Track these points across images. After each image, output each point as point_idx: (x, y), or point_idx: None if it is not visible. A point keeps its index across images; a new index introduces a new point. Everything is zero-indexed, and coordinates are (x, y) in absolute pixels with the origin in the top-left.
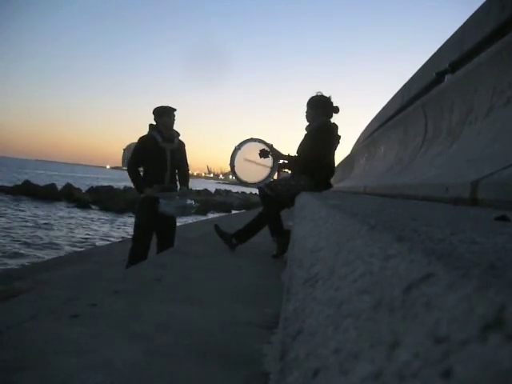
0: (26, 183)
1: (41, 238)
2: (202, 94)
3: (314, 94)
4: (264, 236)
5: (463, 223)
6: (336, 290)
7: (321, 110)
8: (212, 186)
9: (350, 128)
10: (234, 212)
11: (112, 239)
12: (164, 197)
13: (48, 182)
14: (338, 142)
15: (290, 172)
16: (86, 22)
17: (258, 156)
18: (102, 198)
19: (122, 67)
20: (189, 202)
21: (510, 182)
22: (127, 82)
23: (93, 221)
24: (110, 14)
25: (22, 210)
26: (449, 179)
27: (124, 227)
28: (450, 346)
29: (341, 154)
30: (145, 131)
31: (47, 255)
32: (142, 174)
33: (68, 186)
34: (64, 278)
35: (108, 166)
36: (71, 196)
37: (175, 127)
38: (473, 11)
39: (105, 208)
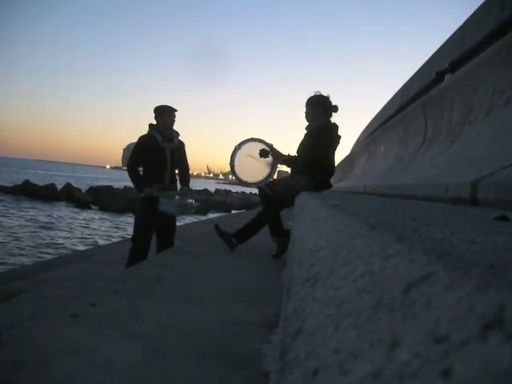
0: (26, 183)
1: (41, 238)
2: (202, 93)
3: (313, 94)
4: (264, 236)
5: (463, 223)
6: (336, 290)
7: (320, 109)
8: (212, 186)
9: (350, 128)
10: (233, 212)
11: (112, 239)
12: (164, 196)
13: (48, 182)
14: (338, 142)
15: (289, 172)
16: (86, 21)
17: (258, 156)
18: (101, 198)
19: (121, 67)
20: (189, 201)
21: (510, 182)
22: (127, 81)
23: (93, 221)
24: (110, 14)
25: (22, 210)
26: (449, 179)
27: (124, 227)
28: (449, 345)
29: (341, 153)
30: (144, 131)
31: (47, 255)
32: (141, 173)
33: (68, 186)
34: (64, 278)
35: (108, 166)
36: (71, 196)
37: (175, 127)
38: (473, 11)
39: (105, 208)
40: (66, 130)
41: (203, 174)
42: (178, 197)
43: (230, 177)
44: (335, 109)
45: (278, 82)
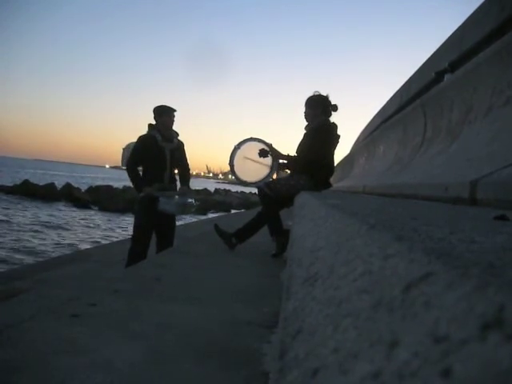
0: (26, 183)
1: (40, 238)
2: (202, 93)
3: (312, 94)
4: (263, 235)
5: (462, 222)
6: (335, 290)
7: (319, 109)
8: (211, 186)
9: (350, 127)
10: (233, 211)
11: (111, 239)
12: (164, 196)
13: (47, 182)
14: (338, 142)
15: (289, 171)
16: (86, 21)
17: (258, 155)
18: (101, 198)
19: (121, 67)
20: (189, 200)
21: (510, 182)
22: (127, 81)
23: (92, 220)
24: (110, 14)
25: (22, 210)
26: (448, 179)
27: (123, 227)
28: (449, 345)
29: (340, 153)
30: (144, 131)
31: (47, 255)
32: (141, 173)
33: (67, 186)
34: (64, 278)
35: (107, 166)
36: (71, 195)
37: (174, 127)
38: (472, 11)
39: (104, 208)
40: (65, 129)
41: (203, 174)
42: (177, 196)
43: (230, 176)
44: (335, 108)
45: (278, 81)
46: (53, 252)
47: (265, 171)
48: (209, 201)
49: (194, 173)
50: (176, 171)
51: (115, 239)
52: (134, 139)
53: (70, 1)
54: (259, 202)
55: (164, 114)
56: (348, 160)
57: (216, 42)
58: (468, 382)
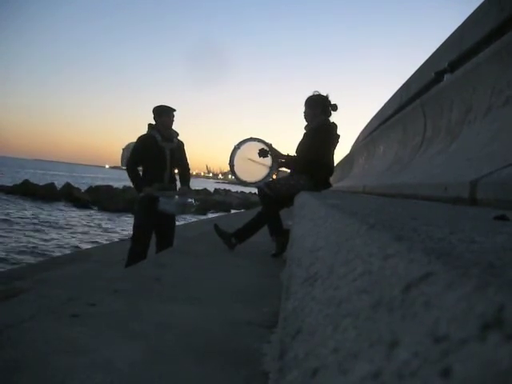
0: (26, 183)
1: (40, 238)
2: (202, 93)
3: (312, 94)
4: (263, 235)
5: (462, 222)
6: (335, 290)
7: (319, 109)
8: (211, 186)
9: (350, 127)
10: (233, 211)
11: (111, 239)
12: (164, 196)
13: (47, 182)
14: (338, 141)
15: (289, 171)
16: (86, 21)
17: (258, 155)
18: (101, 198)
19: (121, 67)
20: (189, 200)
21: (509, 182)
22: (127, 81)
23: (92, 220)
24: (110, 14)
25: (22, 210)
26: (448, 178)
27: (123, 227)
28: (449, 345)
29: (340, 153)
30: (144, 130)
31: (47, 255)
32: (141, 173)
33: (67, 186)
34: (64, 278)
35: (107, 166)
36: (70, 195)
37: (174, 126)
38: (472, 11)
39: (104, 208)
40: (65, 129)
41: (202, 174)
42: (177, 196)
43: (230, 176)
44: (334, 107)
45: (278, 81)
46: (53, 252)
47: (264, 171)
48: (209, 201)
49: (194, 173)
50: (176, 171)
51: (115, 239)
52: (134, 139)
53: (69, 0)
54: (259, 202)
55: (164, 114)
56: (348, 160)
57: (216, 41)
58: (468, 381)
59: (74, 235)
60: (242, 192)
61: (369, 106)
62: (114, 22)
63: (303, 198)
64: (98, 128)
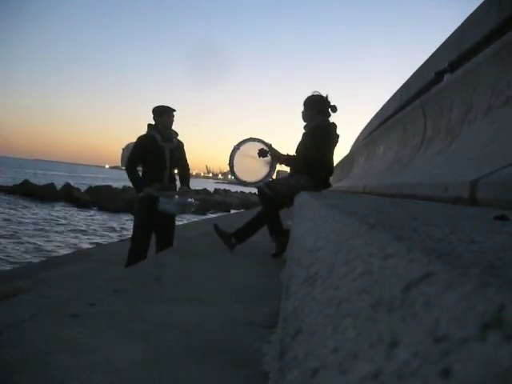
0: (26, 183)
1: (40, 238)
2: (202, 93)
3: (311, 94)
4: (263, 235)
5: (462, 222)
6: (335, 290)
7: (317, 109)
8: (211, 186)
9: (350, 127)
10: (233, 211)
11: (111, 239)
12: (163, 196)
13: (47, 182)
14: (337, 141)
15: (289, 171)
16: (86, 21)
17: (257, 156)
18: (101, 198)
19: (121, 67)
20: (189, 200)
21: (509, 182)
22: (126, 81)
23: (92, 220)
24: (110, 13)
25: (22, 210)
26: (448, 178)
27: (123, 227)
28: (449, 345)
29: (340, 153)
30: (144, 131)
31: (46, 255)
32: (141, 173)
33: (67, 186)
34: (64, 278)
35: (107, 166)
36: (70, 196)
37: (174, 126)
38: (472, 11)
39: (104, 208)
40: (65, 129)
41: (202, 174)
42: (177, 196)
43: (229, 176)
44: (334, 109)
45: (278, 81)
46: (53, 252)
47: (264, 171)
48: (208, 201)
49: (194, 173)
50: (176, 171)
51: (115, 239)
52: (134, 139)
53: (69, 0)
54: (259, 202)
55: (164, 114)
56: (348, 160)
57: (216, 41)
58: (468, 381)
59: (73, 235)
60: (241, 192)
61: (369, 106)
62: (114, 22)
63: (303, 198)
64: (98, 128)
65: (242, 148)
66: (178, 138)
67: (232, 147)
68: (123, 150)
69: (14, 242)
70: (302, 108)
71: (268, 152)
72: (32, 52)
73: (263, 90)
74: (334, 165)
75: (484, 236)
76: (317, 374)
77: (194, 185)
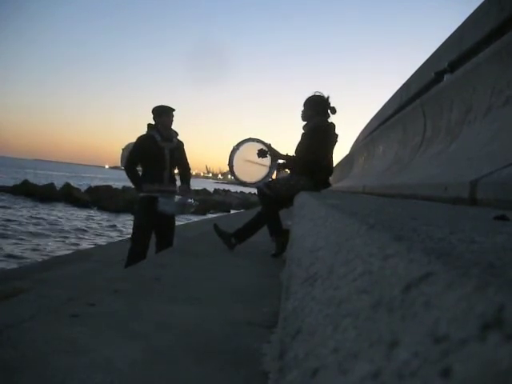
0: (25, 183)
1: (40, 238)
2: (202, 93)
3: (312, 94)
4: (263, 235)
5: (462, 222)
6: (335, 290)
7: (317, 110)
8: (211, 186)
9: (350, 127)
10: (232, 212)
11: (111, 239)
12: (163, 196)
13: (47, 182)
14: (336, 141)
15: (288, 171)
16: (86, 21)
17: (257, 156)
18: (100, 198)
19: (121, 66)
20: (188, 200)
21: (509, 182)
22: (126, 81)
23: (92, 220)
24: (109, 13)
25: (22, 210)
26: (448, 178)
27: (123, 227)
28: (449, 345)
29: (340, 153)
30: (144, 131)
31: (46, 255)
32: (140, 173)
33: (67, 186)
34: (64, 278)
35: (107, 166)
36: (70, 196)
37: (174, 126)
38: (472, 11)
39: (104, 208)
40: (64, 129)
41: (202, 174)
42: (177, 196)
43: (229, 176)
44: (333, 110)
45: (278, 81)
46: (53, 252)
47: (264, 171)
48: (208, 201)
49: (194, 173)
50: (176, 171)
51: (115, 239)
52: (134, 139)
53: (69, 0)
54: (259, 202)
55: (163, 114)
56: (347, 160)
57: (216, 41)
58: (468, 381)
59: (73, 235)
60: (241, 192)
61: (369, 106)
62: (114, 22)
63: (303, 198)
64: (97, 128)
65: (241, 148)
66: (178, 137)
67: (231, 147)
68: (123, 150)
69: (13, 242)
70: (302, 107)
71: (267, 152)
72: (32, 52)
73: (263, 90)
74: (334, 165)
75: (484, 236)
76: (317, 374)
77: (194, 185)
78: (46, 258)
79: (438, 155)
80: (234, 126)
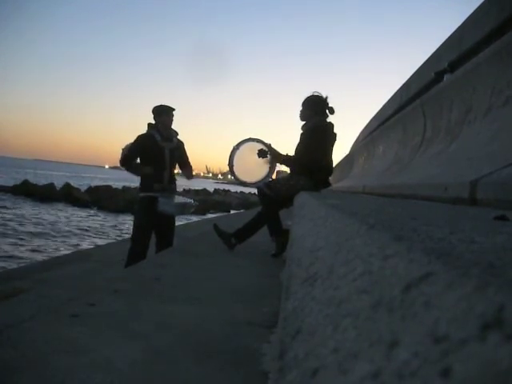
0: (25, 183)
1: (40, 238)
2: (202, 93)
3: (310, 94)
4: (263, 235)
5: (462, 223)
6: (335, 290)
7: (315, 110)
8: (211, 186)
9: (350, 127)
10: (232, 212)
11: (111, 239)
12: (163, 196)
13: (47, 182)
14: (335, 139)
15: (288, 171)
16: (86, 20)
17: (257, 156)
18: (100, 198)
19: (121, 66)
20: (188, 200)
21: (509, 182)
22: (126, 81)
23: (92, 220)
24: (109, 13)
25: (22, 210)
26: (448, 179)
27: (123, 227)
28: (449, 345)
29: (340, 153)
30: (144, 131)
31: (46, 255)
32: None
33: (67, 186)
34: (64, 278)
35: (107, 166)
36: (70, 196)
37: (174, 126)
38: (472, 11)
39: (103, 208)
40: (65, 129)
41: (202, 174)
42: (177, 196)
43: (229, 176)
44: (331, 111)
45: (278, 81)
46: (53, 252)
47: (264, 171)
48: (208, 201)
49: (194, 173)
50: (176, 171)
51: (115, 239)
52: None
53: (69, 0)
54: (259, 202)
55: (163, 114)
56: (347, 160)
57: (216, 41)
58: (468, 381)
59: (73, 235)
60: (241, 192)
61: (369, 106)
62: (114, 22)
63: (303, 198)
64: (98, 128)
65: (241, 148)
66: (178, 137)
67: (231, 147)
68: (123, 150)
69: (13, 242)
70: (300, 107)
71: (267, 152)
72: (32, 52)
73: (263, 90)
74: (334, 165)
75: (484, 236)
76: (317, 374)
77: (194, 185)
78: (45, 258)
79: (437, 155)
80: (234, 125)
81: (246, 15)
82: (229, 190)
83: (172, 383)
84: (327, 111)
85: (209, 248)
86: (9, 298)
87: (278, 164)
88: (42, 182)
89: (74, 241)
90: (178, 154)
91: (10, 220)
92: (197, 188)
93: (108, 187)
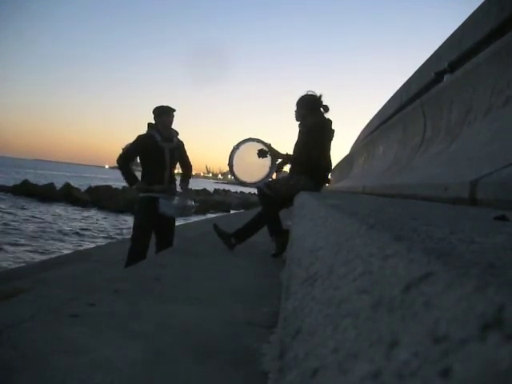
0: (25, 183)
1: (40, 238)
2: (202, 93)
3: (304, 93)
4: (263, 235)
5: (462, 223)
6: (335, 290)
7: (308, 109)
8: (211, 186)
9: (350, 127)
10: (232, 212)
11: (111, 239)
12: (164, 197)
13: (47, 182)
14: (333, 136)
15: (288, 171)
16: (86, 20)
17: (257, 156)
18: (100, 198)
19: (121, 66)
20: (188, 202)
21: (509, 182)
22: (126, 81)
23: (92, 220)
24: (110, 13)
25: (22, 210)
26: (448, 179)
27: (123, 227)
28: (449, 345)
29: (340, 153)
30: (144, 131)
31: (46, 255)
32: (140, 173)
33: (67, 186)
34: (64, 278)
35: (107, 166)
36: (70, 195)
37: (174, 126)
38: (472, 11)
39: (104, 208)
40: (64, 129)
41: (202, 174)
42: (177, 198)
43: (229, 176)
44: (326, 109)
45: (278, 81)
46: (53, 252)
47: (264, 171)
48: (208, 201)
49: (194, 173)
50: (176, 171)
51: (115, 239)
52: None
53: (69, 0)
54: (259, 203)
55: (164, 114)
56: (347, 160)
57: (216, 41)
58: (468, 381)
59: (73, 235)
60: (241, 192)
61: (369, 106)
62: (114, 22)
63: (303, 198)
64: (97, 128)
65: (241, 148)
66: (178, 137)
67: (231, 147)
68: (123, 150)
69: (13, 242)
70: (294, 107)
71: (267, 152)
72: (32, 52)
73: (263, 90)
74: (334, 165)
75: (484, 236)
76: (317, 374)
77: (194, 185)
78: (45, 258)
79: (437, 155)
80: (234, 125)
81: (245, 15)
82: (229, 190)
83: (172, 383)
84: (322, 109)
85: (209, 248)
86: (9, 297)
87: (277, 164)
88: (42, 181)
89: (74, 241)
90: (178, 154)
91: (10, 220)
92: (197, 188)
93: (108, 187)
